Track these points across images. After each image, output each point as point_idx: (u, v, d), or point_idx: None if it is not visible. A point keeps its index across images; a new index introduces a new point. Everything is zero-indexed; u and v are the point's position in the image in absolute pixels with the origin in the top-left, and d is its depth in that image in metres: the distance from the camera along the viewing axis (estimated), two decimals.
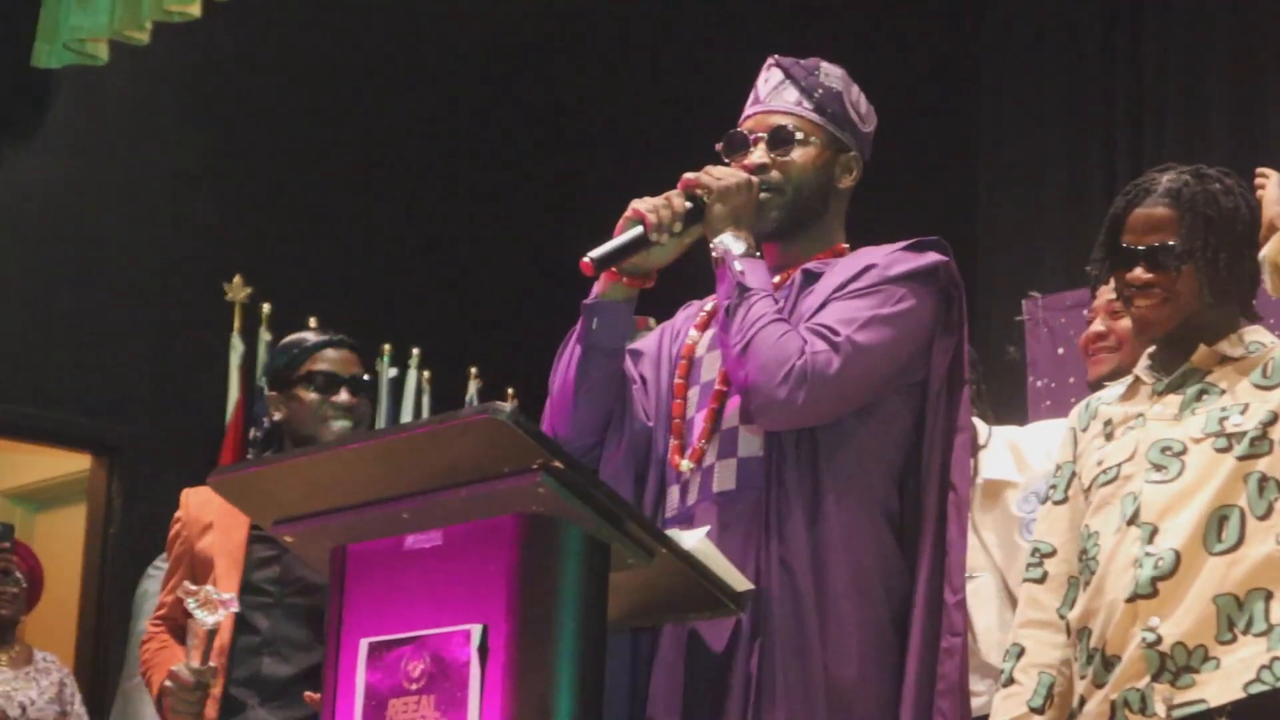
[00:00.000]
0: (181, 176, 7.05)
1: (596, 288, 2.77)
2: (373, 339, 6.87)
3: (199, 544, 3.67)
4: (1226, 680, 2.59)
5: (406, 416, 7.05)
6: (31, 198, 6.75)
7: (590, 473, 2.32)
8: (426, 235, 7.38)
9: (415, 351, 7.19)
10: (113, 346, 6.83)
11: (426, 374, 7.24)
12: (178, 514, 3.76)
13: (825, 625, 2.59)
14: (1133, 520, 2.69)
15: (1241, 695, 2.58)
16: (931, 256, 2.73)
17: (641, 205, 2.69)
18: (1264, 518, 2.63)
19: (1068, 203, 7.03)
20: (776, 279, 2.79)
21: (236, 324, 7.00)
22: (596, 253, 2.66)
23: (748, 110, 2.88)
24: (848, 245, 2.88)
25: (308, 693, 3.47)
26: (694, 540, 2.42)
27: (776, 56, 2.88)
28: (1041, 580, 2.85)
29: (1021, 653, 2.82)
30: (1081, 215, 6.78)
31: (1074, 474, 2.88)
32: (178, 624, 3.65)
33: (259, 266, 7.04)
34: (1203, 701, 2.60)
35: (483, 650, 2.26)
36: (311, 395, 3.67)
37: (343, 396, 3.67)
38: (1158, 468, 2.70)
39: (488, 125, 7.58)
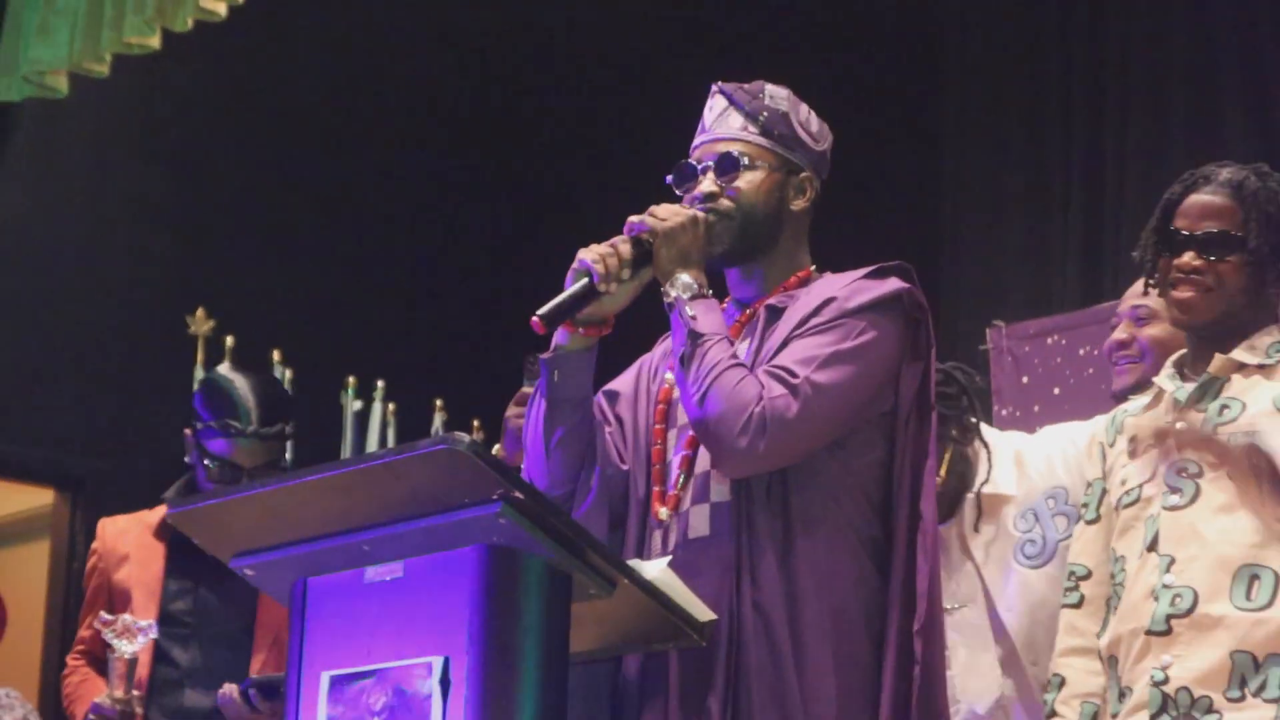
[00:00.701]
0: (143, 208, 7.00)
1: (555, 339, 2.73)
2: (337, 371, 6.87)
3: (116, 575, 3.66)
4: None
5: (372, 449, 7.01)
6: None
7: (550, 503, 2.31)
8: (391, 268, 7.35)
9: (380, 384, 7.16)
10: (74, 380, 6.78)
11: (391, 406, 7.19)
12: (94, 545, 3.76)
13: (802, 667, 2.56)
14: (1152, 547, 2.64)
15: None
16: (893, 283, 2.70)
17: (587, 255, 2.66)
18: None
19: (1029, 232, 6.98)
20: (741, 316, 2.78)
21: (200, 357, 6.93)
22: (545, 310, 2.63)
23: (696, 140, 2.87)
24: (814, 267, 2.85)
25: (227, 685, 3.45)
26: (655, 570, 2.41)
27: (720, 83, 2.86)
28: (1079, 605, 2.80)
29: (1063, 683, 2.77)
30: (1044, 245, 6.75)
31: (1104, 491, 2.82)
32: (96, 657, 3.64)
33: (222, 299, 6.98)
34: None
35: (444, 683, 2.25)
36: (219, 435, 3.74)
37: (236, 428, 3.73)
38: (1173, 490, 2.65)
39: (452, 159, 7.57)
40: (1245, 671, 2.52)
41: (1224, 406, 2.66)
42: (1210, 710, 2.52)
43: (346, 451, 6.75)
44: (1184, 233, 2.71)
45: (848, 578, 2.62)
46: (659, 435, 2.78)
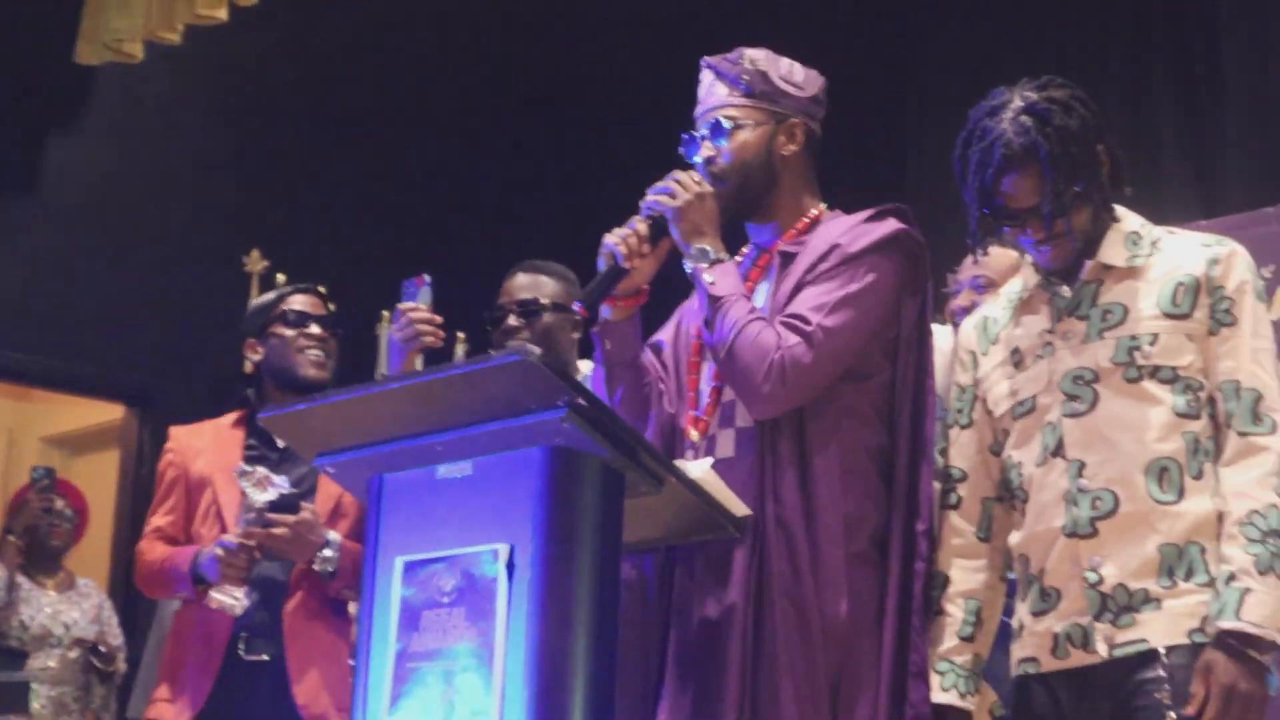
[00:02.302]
0: (207, 162, 6.94)
1: (601, 314, 2.74)
2: (374, 307, 6.81)
3: (193, 467, 3.60)
4: (1169, 623, 2.40)
5: None
6: (74, 179, 6.64)
7: (608, 409, 2.26)
8: (424, 218, 7.27)
9: None
10: (145, 311, 6.72)
11: None
12: (168, 446, 3.70)
13: (817, 567, 2.52)
14: (1057, 452, 2.50)
15: (1184, 641, 2.39)
16: (891, 224, 2.65)
17: (611, 239, 2.65)
18: (1197, 478, 2.45)
19: None
20: (759, 260, 2.73)
21: (254, 292, 6.88)
22: (583, 294, 2.67)
23: (695, 114, 2.82)
24: (824, 205, 2.80)
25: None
26: (699, 470, 2.37)
27: (706, 58, 2.81)
28: (957, 506, 2.64)
29: (947, 582, 2.62)
30: None
31: (976, 397, 2.66)
32: (172, 539, 3.58)
33: (276, 242, 6.92)
34: (1144, 641, 2.41)
35: (510, 567, 2.21)
36: (286, 331, 3.64)
37: (314, 329, 3.64)
38: (1071, 397, 2.50)
39: (489, 117, 7.49)
40: (1172, 563, 2.41)
41: (1106, 312, 2.51)
42: (1149, 600, 2.40)
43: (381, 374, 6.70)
44: (1010, 210, 2.52)
45: (858, 490, 2.58)
46: (694, 367, 2.76)
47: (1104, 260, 2.54)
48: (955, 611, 2.60)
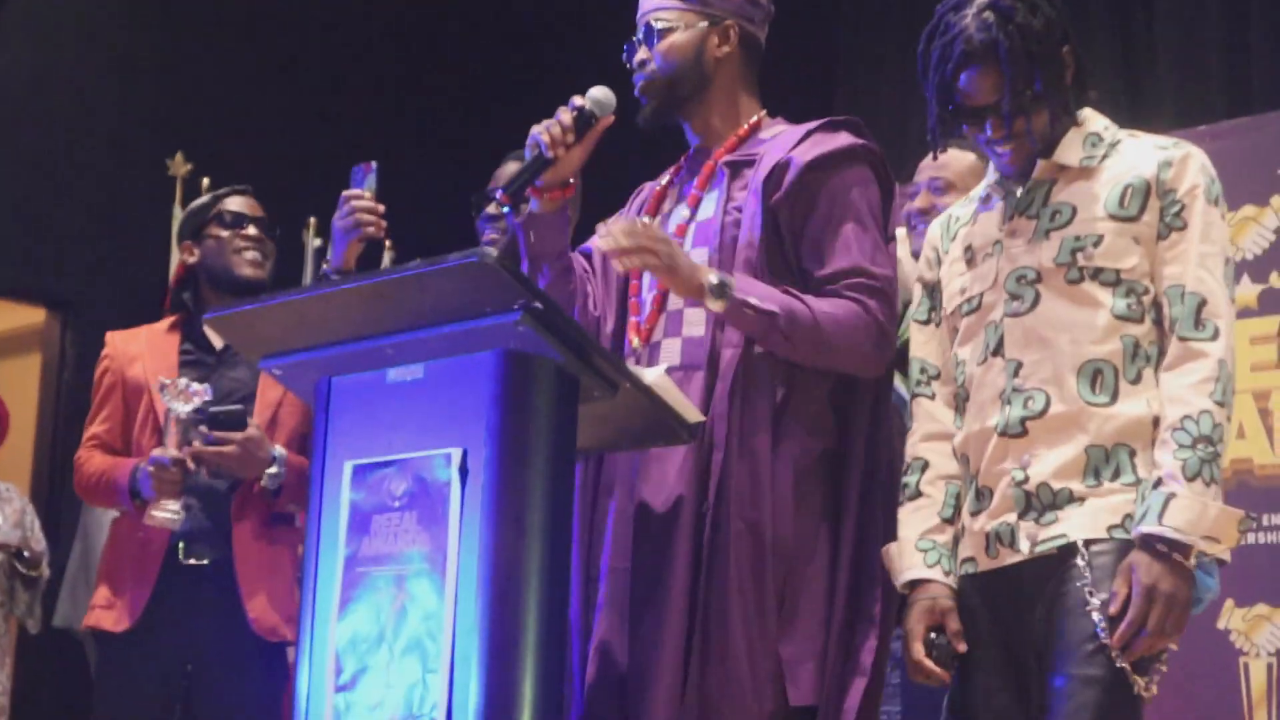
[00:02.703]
0: (129, 66, 6.76)
1: (529, 206, 2.62)
2: (299, 212, 6.67)
3: (130, 372, 3.51)
4: (1090, 518, 2.33)
5: None
6: None
7: (564, 313, 2.17)
8: (347, 120, 7.12)
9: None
10: (67, 215, 6.56)
11: None
12: (105, 352, 3.60)
13: (775, 490, 2.48)
14: (997, 351, 2.42)
15: (1103, 535, 2.32)
16: (846, 138, 2.59)
17: (536, 129, 2.56)
18: (1134, 383, 2.37)
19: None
20: (703, 169, 2.66)
21: (178, 195, 6.76)
22: (505, 184, 2.56)
23: (636, 18, 2.74)
24: (765, 112, 2.72)
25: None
26: (654, 375, 2.29)
27: None
28: (933, 398, 2.56)
29: (926, 465, 2.52)
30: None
31: (938, 295, 2.59)
32: (111, 448, 3.49)
33: (199, 145, 6.78)
34: (1063, 536, 2.33)
35: (463, 471, 2.13)
36: (223, 232, 3.54)
37: (250, 230, 3.54)
38: (1014, 297, 2.42)
39: (422, 14, 7.33)
40: (1098, 463, 2.33)
41: (1055, 212, 2.43)
42: (1073, 499, 2.33)
43: (306, 281, 6.57)
44: (969, 109, 2.42)
45: (806, 399, 2.54)
46: (635, 273, 2.66)
47: (1059, 160, 2.46)
48: (935, 494, 2.50)
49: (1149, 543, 2.26)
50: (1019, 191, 2.48)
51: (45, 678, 6.24)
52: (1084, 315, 2.38)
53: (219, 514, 3.38)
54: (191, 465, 3.26)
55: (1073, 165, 2.45)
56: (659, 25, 2.65)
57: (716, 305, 2.45)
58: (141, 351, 3.52)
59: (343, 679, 2.20)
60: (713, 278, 2.44)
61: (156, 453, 3.27)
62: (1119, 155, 2.45)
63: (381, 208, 2.96)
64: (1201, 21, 5.36)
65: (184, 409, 3.26)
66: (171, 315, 3.61)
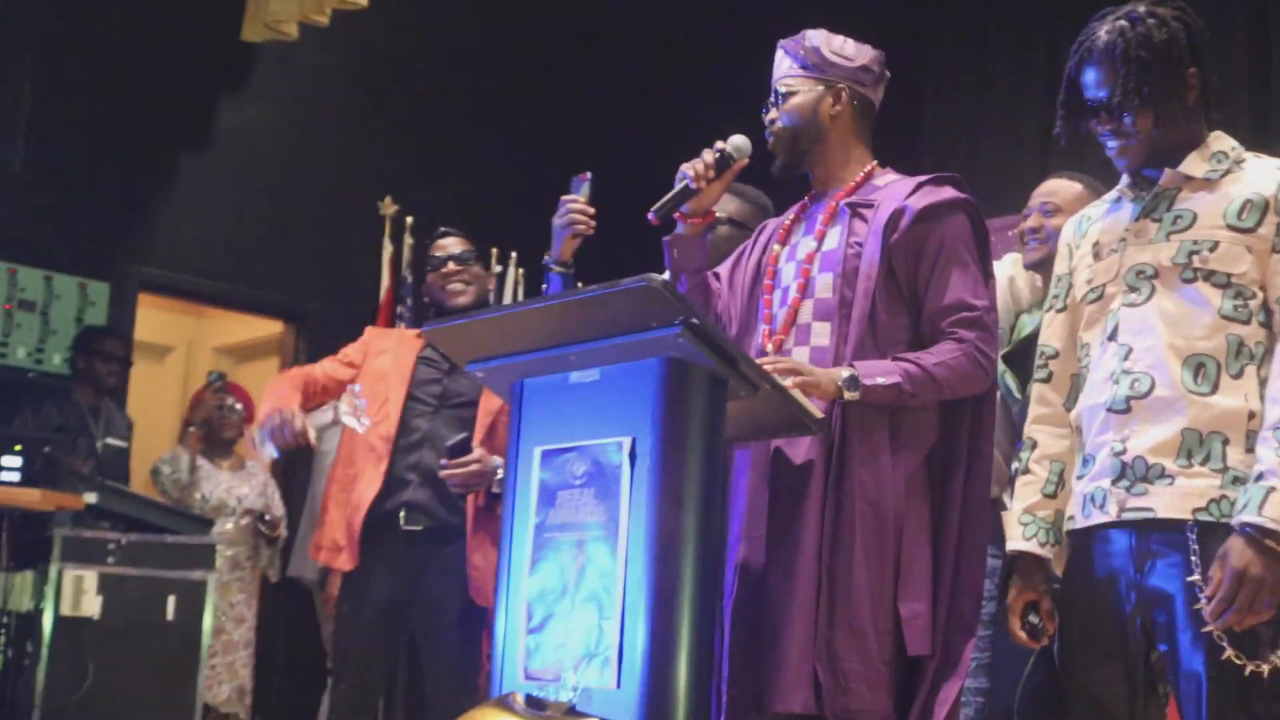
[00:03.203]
0: (348, 123, 6.92)
1: (676, 229, 2.69)
2: (486, 245, 6.76)
3: (374, 361, 3.60)
4: (1177, 499, 2.22)
5: (506, 301, 6.93)
6: (240, 138, 6.62)
7: (715, 328, 2.21)
8: (530, 170, 7.21)
9: (514, 254, 7.08)
10: (300, 246, 6.73)
11: (521, 270, 7.12)
12: (363, 339, 3.73)
13: (892, 473, 2.48)
14: (1113, 336, 2.34)
15: (1187, 517, 2.20)
16: (950, 191, 2.59)
17: (685, 166, 2.61)
18: (1236, 377, 2.26)
19: (1004, 131, 6.19)
20: (828, 208, 2.66)
21: (387, 231, 6.91)
22: (655, 207, 2.60)
23: (771, 85, 2.77)
24: (875, 161, 2.73)
25: (445, 466, 3.36)
26: (787, 381, 2.31)
27: (780, 40, 2.76)
28: (1048, 380, 2.49)
29: (1035, 445, 2.47)
30: (1018, 144, 6.03)
31: (1070, 285, 2.51)
32: (307, 381, 3.52)
33: (405, 190, 6.93)
34: (1150, 510, 2.24)
35: (633, 455, 2.17)
36: (431, 272, 3.66)
37: (450, 267, 3.63)
38: (1131, 289, 2.34)
39: (582, 84, 7.40)
40: (1192, 446, 2.23)
41: (1177, 217, 2.34)
42: (1164, 475, 2.24)
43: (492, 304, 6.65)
44: (1085, 102, 2.36)
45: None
46: (769, 289, 2.69)
47: (1184, 171, 2.37)
48: (1040, 471, 2.45)
49: (1246, 531, 2.14)
50: (1145, 197, 2.41)
51: (281, 617, 6.42)
52: (1193, 311, 2.28)
53: (438, 492, 3.47)
54: (314, 441, 3.25)
55: (1197, 177, 2.36)
56: (784, 89, 2.69)
57: (853, 395, 2.44)
58: (390, 348, 3.63)
59: (533, 623, 2.25)
60: (844, 373, 2.45)
61: (294, 412, 3.20)
62: (1242, 172, 2.36)
63: (593, 210, 2.97)
64: None
65: (349, 422, 3.27)
66: (417, 327, 3.73)
